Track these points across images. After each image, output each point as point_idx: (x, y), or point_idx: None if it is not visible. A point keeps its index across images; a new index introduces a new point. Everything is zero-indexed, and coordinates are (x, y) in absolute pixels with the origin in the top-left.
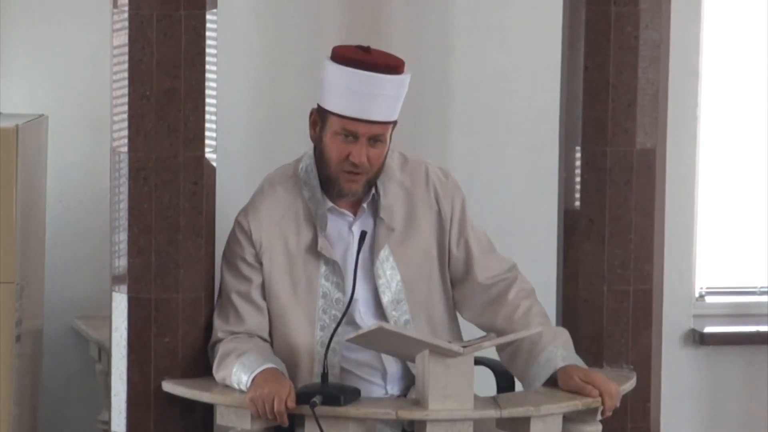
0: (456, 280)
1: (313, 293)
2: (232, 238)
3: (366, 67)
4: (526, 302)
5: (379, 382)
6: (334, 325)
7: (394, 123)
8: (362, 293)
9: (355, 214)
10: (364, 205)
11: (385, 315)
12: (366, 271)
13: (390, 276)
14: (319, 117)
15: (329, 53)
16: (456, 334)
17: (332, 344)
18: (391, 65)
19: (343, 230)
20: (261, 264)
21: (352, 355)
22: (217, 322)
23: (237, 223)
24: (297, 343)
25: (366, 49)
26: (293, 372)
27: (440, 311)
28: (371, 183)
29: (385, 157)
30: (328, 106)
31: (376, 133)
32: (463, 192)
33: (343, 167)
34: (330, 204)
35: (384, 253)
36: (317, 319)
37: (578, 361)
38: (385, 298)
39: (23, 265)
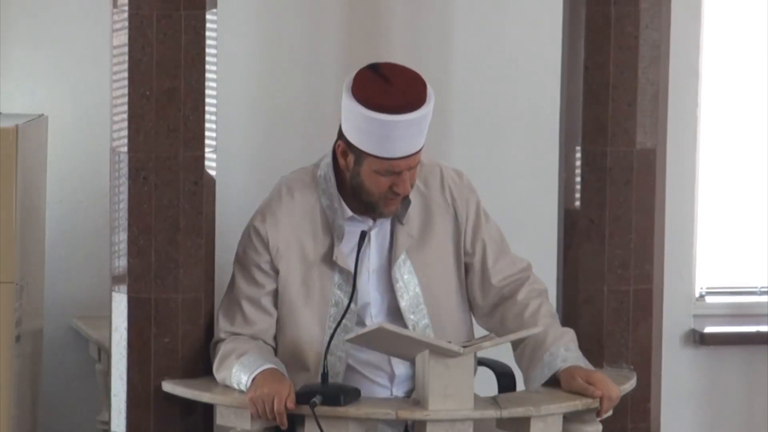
0: (470, 282)
1: (325, 301)
2: (248, 243)
3: (396, 111)
4: (536, 302)
5: (386, 384)
6: (343, 334)
7: None
8: (376, 297)
9: (375, 220)
10: None
11: (403, 319)
12: (382, 274)
13: (407, 280)
14: (352, 151)
15: (349, 84)
16: (470, 337)
17: (340, 344)
18: (418, 99)
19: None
20: (276, 271)
21: (361, 355)
22: (222, 323)
23: (253, 228)
24: (306, 348)
25: (385, 78)
26: (302, 374)
27: (458, 315)
28: (406, 198)
29: None
30: (365, 148)
31: (417, 162)
32: (477, 193)
33: (386, 195)
34: (350, 213)
35: (402, 257)
36: (327, 327)
37: (583, 362)
38: (403, 302)
39: (23, 265)
